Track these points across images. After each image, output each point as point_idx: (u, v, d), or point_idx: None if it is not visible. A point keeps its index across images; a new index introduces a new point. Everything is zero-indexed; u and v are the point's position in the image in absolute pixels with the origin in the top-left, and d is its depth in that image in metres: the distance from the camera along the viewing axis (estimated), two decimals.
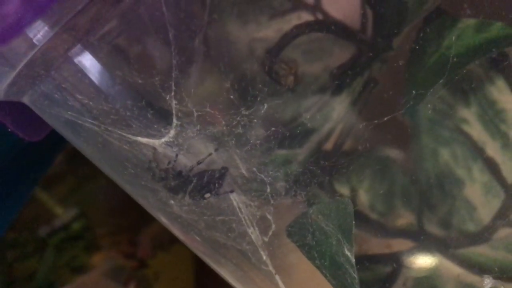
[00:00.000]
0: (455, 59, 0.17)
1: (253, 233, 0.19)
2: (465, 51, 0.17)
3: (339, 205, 0.18)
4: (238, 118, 0.17)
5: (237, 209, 0.19)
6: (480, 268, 0.18)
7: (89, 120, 0.18)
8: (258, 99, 0.17)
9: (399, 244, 0.19)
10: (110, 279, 0.36)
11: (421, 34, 0.17)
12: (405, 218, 0.18)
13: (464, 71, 0.17)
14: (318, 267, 0.18)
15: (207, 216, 0.19)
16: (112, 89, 0.18)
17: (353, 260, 0.17)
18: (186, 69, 0.17)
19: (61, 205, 0.38)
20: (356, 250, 0.18)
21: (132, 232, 0.38)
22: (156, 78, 0.17)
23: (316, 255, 0.18)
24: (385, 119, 0.17)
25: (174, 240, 0.24)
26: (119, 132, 0.18)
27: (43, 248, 0.36)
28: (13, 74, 0.17)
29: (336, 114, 0.18)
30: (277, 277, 0.20)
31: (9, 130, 0.22)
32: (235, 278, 0.22)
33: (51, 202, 0.38)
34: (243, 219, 0.19)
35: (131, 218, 0.38)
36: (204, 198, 0.19)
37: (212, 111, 0.17)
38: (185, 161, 0.18)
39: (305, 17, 0.17)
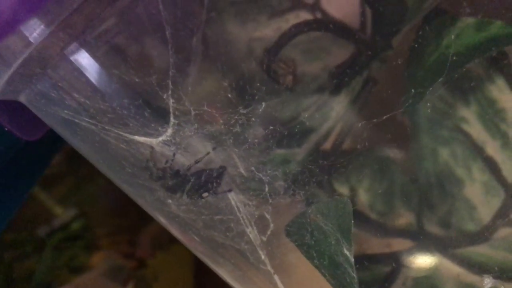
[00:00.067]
0: (454, 58, 0.17)
1: (252, 232, 0.19)
2: (465, 50, 0.17)
3: (338, 204, 0.18)
4: (236, 117, 0.17)
5: (235, 208, 0.19)
6: (480, 268, 0.18)
7: (86, 119, 0.18)
8: (256, 98, 0.17)
9: (398, 244, 0.19)
10: (109, 279, 0.36)
11: (421, 33, 0.17)
12: (404, 218, 0.18)
13: (464, 70, 0.17)
14: (317, 267, 0.18)
15: (205, 215, 0.19)
16: (109, 87, 0.18)
17: (352, 260, 0.17)
18: (183, 67, 0.17)
19: (60, 205, 0.38)
20: (356, 250, 0.18)
21: (131, 232, 0.38)
22: (153, 77, 0.17)
23: (315, 254, 0.18)
24: (384, 118, 0.17)
25: (173, 240, 0.24)
26: (116, 131, 0.18)
27: (42, 248, 0.37)
28: (9, 72, 0.17)
29: (335, 113, 0.18)
30: (275, 276, 0.20)
31: (6, 129, 0.22)
32: (234, 278, 0.22)
33: (51, 202, 0.38)
34: (241, 218, 0.19)
35: (130, 218, 0.38)
36: (202, 198, 0.19)
37: (210, 110, 0.17)
38: (182, 160, 0.18)
39: (304, 16, 0.17)
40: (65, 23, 0.16)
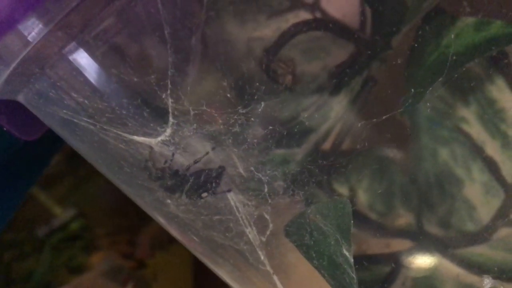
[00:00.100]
0: (454, 58, 0.17)
1: (251, 232, 0.19)
2: (465, 49, 0.17)
3: (337, 204, 0.18)
4: (235, 117, 0.17)
5: (235, 208, 0.19)
6: (479, 268, 0.18)
7: (85, 119, 0.18)
8: (255, 97, 0.17)
9: (398, 244, 0.19)
10: (108, 279, 0.36)
11: (420, 33, 0.17)
12: (404, 218, 0.18)
13: (464, 70, 0.17)
14: (316, 267, 0.18)
15: (204, 215, 0.19)
16: (108, 87, 0.17)
17: (352, 260, 0.17)
18: (182, 67, 0.17)
19: (59, 205, 0.38)
20: (355, 250, 0.18)
21: (131, 232, 0.38)
22: (152, 76, 0.17)
23: (314, 255, 0.18)
24: (384, 118, 0.17)
25: (172, 240, 0.24)
26: (115, 130, 0.18)
27: (41, 248, 0.37)
28: (7, 72, 0.17)
29: (334, 113, 0.18)
30: (275, 277, 0.20)
31: (5, 129, 0.22)
32: (233, 278, 0.22)
33: (50, 202, 0.38)
34: (240, 218, 0.19)
35: (130, 219, 0.38)
36: (201, 198, 0.19)
37: (209, 110, 0.17)
38: (181, 160, 0.18)
39: (304, 15, 0.17)
40: (63, 22, 0.16)
